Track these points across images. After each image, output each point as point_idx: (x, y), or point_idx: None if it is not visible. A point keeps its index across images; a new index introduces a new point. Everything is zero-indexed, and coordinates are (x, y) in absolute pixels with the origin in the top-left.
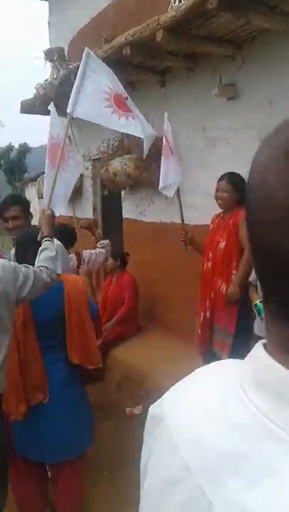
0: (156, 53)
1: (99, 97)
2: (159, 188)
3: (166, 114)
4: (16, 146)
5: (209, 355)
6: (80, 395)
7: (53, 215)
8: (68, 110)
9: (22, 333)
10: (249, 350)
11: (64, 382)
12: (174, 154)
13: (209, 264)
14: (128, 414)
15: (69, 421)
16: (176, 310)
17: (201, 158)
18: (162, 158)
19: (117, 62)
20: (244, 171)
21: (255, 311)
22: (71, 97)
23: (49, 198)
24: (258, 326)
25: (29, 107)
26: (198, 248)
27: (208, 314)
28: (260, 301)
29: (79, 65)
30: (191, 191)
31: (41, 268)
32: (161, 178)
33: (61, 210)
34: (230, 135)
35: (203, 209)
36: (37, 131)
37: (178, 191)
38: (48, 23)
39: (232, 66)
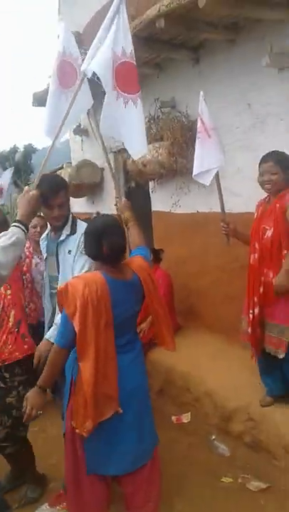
0: (193, 25)
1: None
2: (193, 175)
3: (201, 93)
4: (21, 147)
5: (264, 356)
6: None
7: (37, 199)
8: (82, 68)
9: (103, 338)
10: None
11: (142, 378)
12: (211, 138)
13: (256, 255)
14: (175, 423)
15: (147, 416)
16: (217, 307)
17: (246, 139)
18: (197, 142)
19: (144, 40)
20: None
21: None
22: (91, 49)
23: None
24: None
25: (42, 100)
26: (244, 239)
27: (256, 311)
28: None
29: None
30: (234, 176)
31: None
32: (195, 164)
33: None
34: (283, 111)
35: (248, 196)
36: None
37: (218, 178)
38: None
39: (284, 33)
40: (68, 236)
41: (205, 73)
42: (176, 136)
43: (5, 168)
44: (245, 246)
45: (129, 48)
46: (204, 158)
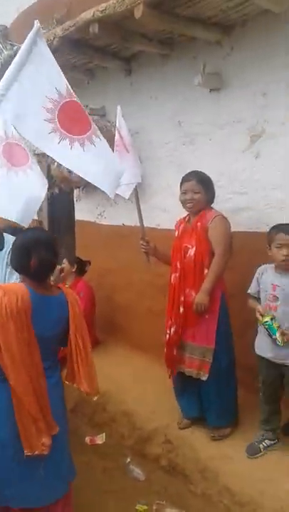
0: (128, 34)
1: (38, 102)
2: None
3: (118, 108)
4: None
5: (181, 378)
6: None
7: None
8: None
9: (28, 353)
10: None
11: (62, 407)
12: (129, 153)
13: (177, 275)
14: (89, 444)
15: (66, 447)
16: (140, 322)
17: (175, 156)
18: (116, 155)
19: (76, 44)
20: (229, 170)
21: (264, 329)
22: (3, 81)
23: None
24: (262, 344)
25: None
26: (164, 259)
27: (172, 331)
28: (271, 318)
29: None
30: (163, 192)
31: None
32: (115, 180)
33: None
34: (213, 130)
35: (177, 212)
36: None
37: (136, 194)
38: None
39: (217, 53)
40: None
41: (137, 85)
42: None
43: None
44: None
45: (63, 86)
46: (128, 172)
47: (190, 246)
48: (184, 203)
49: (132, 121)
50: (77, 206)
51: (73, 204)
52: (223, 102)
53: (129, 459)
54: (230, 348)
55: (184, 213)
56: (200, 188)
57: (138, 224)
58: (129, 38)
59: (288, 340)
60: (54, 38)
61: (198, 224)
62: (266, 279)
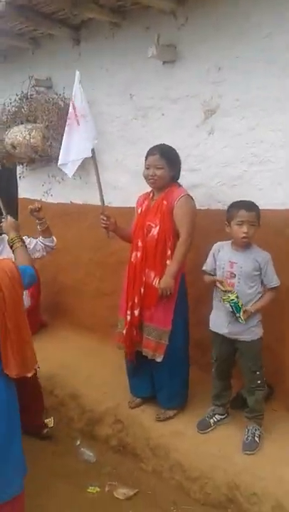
0: (78, 1)
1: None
2: (58, 164)
3: (77, 73)
4: None
5: (136, 358)
6: (16, 413)
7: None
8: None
9: None
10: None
11: (7, 395)
12: (80, 125)
13: (138, 254)
14: None
15: (14, 441)
16: (89, 303)
17: (126, 131)
18: (66, 129)
19: (21, 9)
20: (183, 146)
21: (228, 306)
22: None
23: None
24: (217, 320)
25: None
26: (122, 234)
27: (136, 313)
28: (237, 296)
29: None
30: (113, 169)
31: None
32: (61, 152)
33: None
34: (166, 105)
35: (127, 189)
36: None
37: (96, 168)
38: None
39: (172, 24)
40: None
41: (86, 56)
42: (52, 120)
43: None
44: (122, 241)
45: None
46: (71, 148)
47: (153, 225)
48: (146, 178)
49: None
50: (20, 183)
51: (16, 181)
52: (177, 75)
53: (79, 442)
54: (186, 330)
55: (137, 191)
56: (163, 164)
57: (87, 202)
58: (79, 3)
59: (248, 317)
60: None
61: (164, 202)
62: (223, 256)
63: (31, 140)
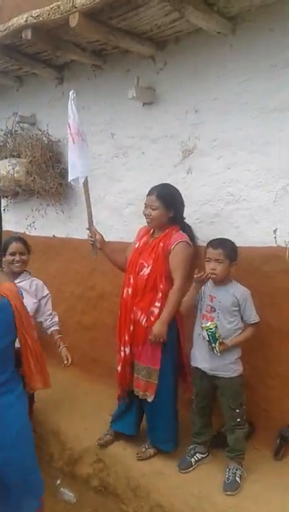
0: (61, 43)
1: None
2: (69, 179)
3: (71, 93)
4: None
5: (128, 394)
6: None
7: None
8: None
9: None
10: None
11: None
12: (75, 143)
13: (129, 290)
14: None
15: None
16: (69, 337)
17: (108, 169)
18: (69, 146)
19: (6, 49)
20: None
21: (206, 336)
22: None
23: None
24: (197, 355)
25: None
26: (112, 257)
27: (127, 351)
28: (216, 327)
29: None
30: (95, 204)
31: None
32: (69, 169)
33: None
34: (146, 144)
35: (108, 225)
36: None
37: (86, 185)
38: None
39: (151, 68)
40: None
41: (68, 94)
42: (36, 156)
43: None
44: (104, 275)
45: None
46: (74, 165)
47: (146, 264)
48: (145, 217)
49: (63, 131)
50: (4, 216)
51: (0, 214)
52: (156, 116)
53: (59, 481)
54: (175, 369)
55: (118, 227)
56: (159, 205)
57: (69, 236)
58: (62, 46)
59: (223, 349)
60: None
61: (161, 244)
62: (205, 290)
63: (15, 174)
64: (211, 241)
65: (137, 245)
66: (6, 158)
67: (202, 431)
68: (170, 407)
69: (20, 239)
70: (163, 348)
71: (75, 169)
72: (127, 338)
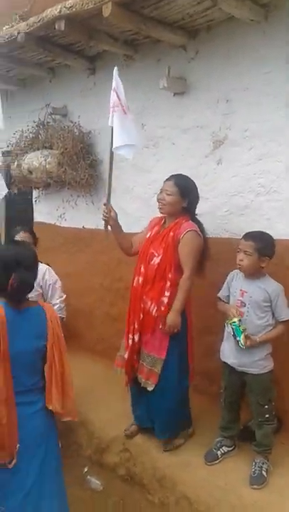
0: (94, 33)
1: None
2: (113, 148)
3: (115, 69)
4: None
5: (135, 384)
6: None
7: None
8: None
9: None
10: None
11: (42, 439)
12: (127, 114)
13: (140, 279)
14: None
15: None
16: (98, 328)
17: (137, 159)
18: (114, 116)
19: (40, 40)
20: (191, 175)
21: (230, 330)
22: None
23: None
24: (226, 350)
25: None
26: (119, 238)
27: (136, 338)
28: (239, 320)
29: None
30: (123, 195)
31: None
32: (115, 136)
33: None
34: (177, 134)
35: (137, 216)
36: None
37: (111, 163)
38: None
39: (182, 57)
40: None
41: (101, 85)
42: (67, 147)
43: None
44: (130, 267)
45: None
46: (124, 133)
47: (156, 254)
48: (157, 201)
49: (94, 122)
50: (36, 207)
51: (32, 205)
52: (187, 106)
53: (86, 469)
54: (182, 361)
55: (146, 218)
56: (175, 191)
57: (98, 227)
58: (94, 36)
59: (250, 345)
60: (18, 34)
61: (171, 234)
62: (235, 284)
63: (47, 166)
64: (246, 232)
65: (148, 235)
66: (38, 149)
67: (230, 425)
68: (172, 398)
69: (29, 229)
70: (171, 338)
71: (125, 137)
72: (136, 326)
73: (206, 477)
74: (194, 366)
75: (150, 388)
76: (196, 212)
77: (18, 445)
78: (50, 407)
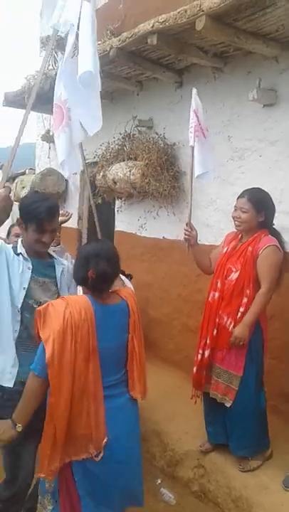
0: (184, 47)
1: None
2: (196, 175)
3: (194, 90)
4: None
5: (208, 400)
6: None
7: (7, 198)
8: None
9: (84, 369)
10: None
11: (128, 430)
12: (206, 138)
13: (216, 294)
14: None
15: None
16: (174, 339)
17: (222, 171)
18: (195, 140)
19: (131, 55)
20: (280, 187)
21: None
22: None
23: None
24: None
25: (14, 100)
26: (197, 256)
27: (206, 354)
28: None
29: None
30: (206, 207)
31: None
32: (196, 164)
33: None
34: (264, 146)
35: (219, 228)
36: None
37: (191, 181)
38: (40, 13)
39: (273, 69)
40: (64, 267)
41: (187, 98)
42: (152, 159)
43: None
44: (209, 280)
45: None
46: (204, 159)
47: (234, 269)
48: (233, 219)
49: (179, 134)
50: (117, 217)
51: (114, 214)
52: (276, 118)
53: (159, 481)
54: (259, 377)
55: (229, 229)
56: (249, 208)
57: (178, 238)
58: (185, 50)
59: None
60: (110, 49)
61: (249, 248)
62: None
63: (131, 177)
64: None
65: (225, 250)
66: (123, 160)
67: None
68: (250, 415)
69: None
70: (248, 355)
71: (206, 164)
72: (208, 341)
73: (284, 503)
74: (273, 386)
75: (228, 404)
76: (276, 224)
77: (106, 438)
78: (134, 397)
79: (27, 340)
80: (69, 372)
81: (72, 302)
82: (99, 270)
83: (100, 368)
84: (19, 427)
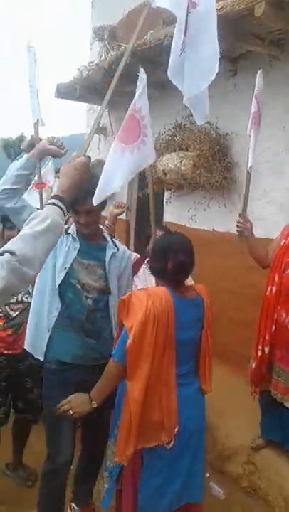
0: (241, 34)
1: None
2: (248, 166)
3: (259, 74)
4: (28, 136)
5: (266, 397)
6: None
7: (86, 167)
8: None
9: (160, 358)
10: None
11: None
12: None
13: (274, 288)
14: None
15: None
16: (222, 333)
17: (276, 163)
18: (253, 128)
19: None
20: None
21: None
22: None
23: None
24: None
25: (67, 91)
26: (253, 249)
27: (266, 350)
28: None
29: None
30: (259, 200)
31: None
32: (250, 153)
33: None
34: None
35: (272, 221)
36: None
37: (248, 174)
38: (92, 2)
39: None
40: (115, 252)
41: (241, 87)
42: (204, 149)
43: (9, 156)
44: (262, 274)
45: None
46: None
47: None
48: None
49: (231, 125)
50: (166, 208)
51: (162, 206)
52: None
53: (208, 475)
54: None
55: (281, 223)
56: None
57: (229, 230)
58: (241, 37)
59: None
60: (165, 37)
61: None
62: None
63: (182, 168)
64: None
65: (282, 242)
66: (173, 151)
67: None
68: None
69: None
70: None
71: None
72: (267, 337)
73: None
74: None
75: (288, 405)
76: None
77: (177, 427)
78: (204, 389)
79: (67, 320)
80: (147, 360)
81: (153, 293)
82: (178, 261)
83: (174, 357)
84: (94, 404)
